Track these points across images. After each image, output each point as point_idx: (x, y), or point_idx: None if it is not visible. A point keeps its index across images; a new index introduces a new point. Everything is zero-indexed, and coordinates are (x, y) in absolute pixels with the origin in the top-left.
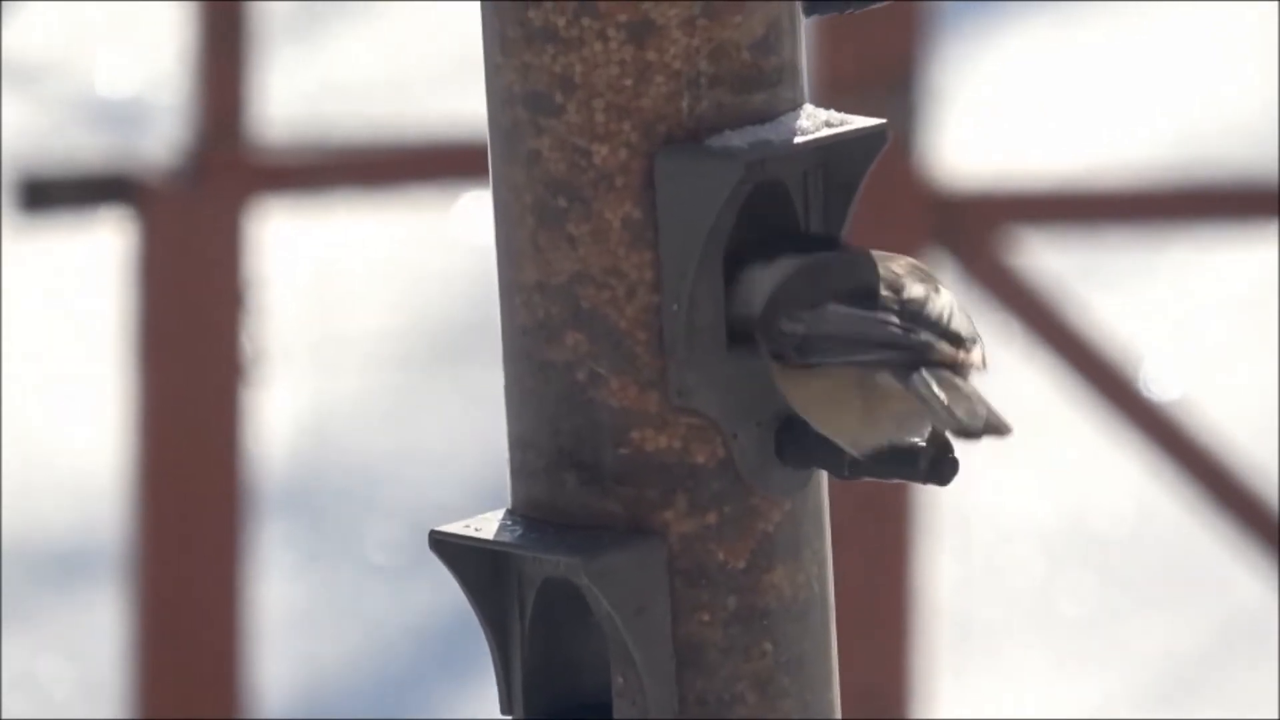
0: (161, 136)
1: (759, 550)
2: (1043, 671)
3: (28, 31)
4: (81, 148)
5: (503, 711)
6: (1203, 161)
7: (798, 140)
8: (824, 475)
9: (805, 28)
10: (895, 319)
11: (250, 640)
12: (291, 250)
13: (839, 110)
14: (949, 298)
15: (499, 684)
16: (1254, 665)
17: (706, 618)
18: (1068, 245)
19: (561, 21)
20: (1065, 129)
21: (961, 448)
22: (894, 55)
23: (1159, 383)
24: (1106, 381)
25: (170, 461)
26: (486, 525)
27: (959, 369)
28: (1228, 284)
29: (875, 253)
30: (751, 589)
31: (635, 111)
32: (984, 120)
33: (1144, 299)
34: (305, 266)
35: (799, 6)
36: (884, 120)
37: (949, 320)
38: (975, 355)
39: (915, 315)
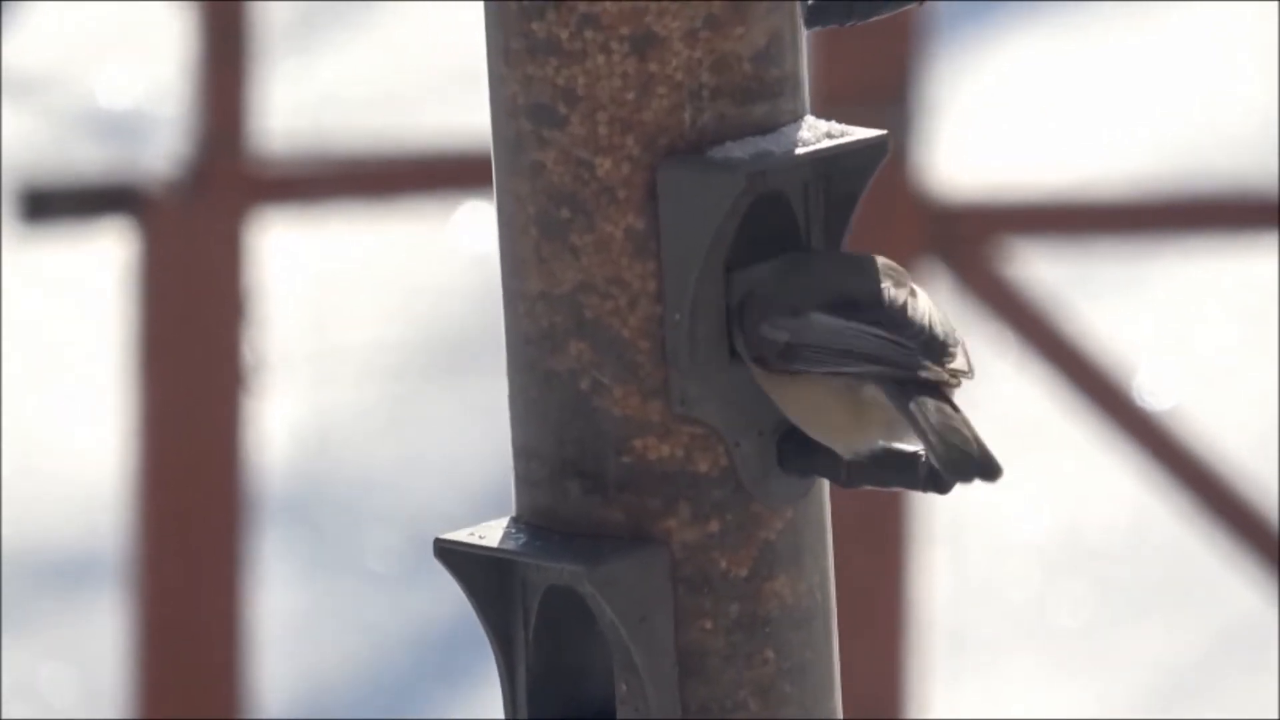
0: (162, 147)
1: (761, 558)
2: (1038, 681)
3: (31, 43)
4: (83, 159)
5: (506, 717)
6: (1195, 173)
7: (799, 151)
8: (826, 485)
9: (806, 40)
10: (881, 331)
11: (250, 648)
12: (291, 260)
13: (837, 121)
14: (926, 300)
15: (503, 690)
16: (1250, 674)
17: (709, 625)
18: (1062, 256)
19: (565, 34)
20: (1059, 141)
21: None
22: (890, 68)
23: (1153, 393)
24: (1101, 392)
25: (171, 470)
26: (491, 533)
27: (948, 389)
28: (1221, 294)
29: (848, 253)
30: (754, 597)
31: (638, 124)
32: (979, 133)
33: (1137, 309)
34: (305, 276)
35: (800, 19)
36: (885, 131)
37: (931, 326)
38: (959, 362)
39: (899, 324)
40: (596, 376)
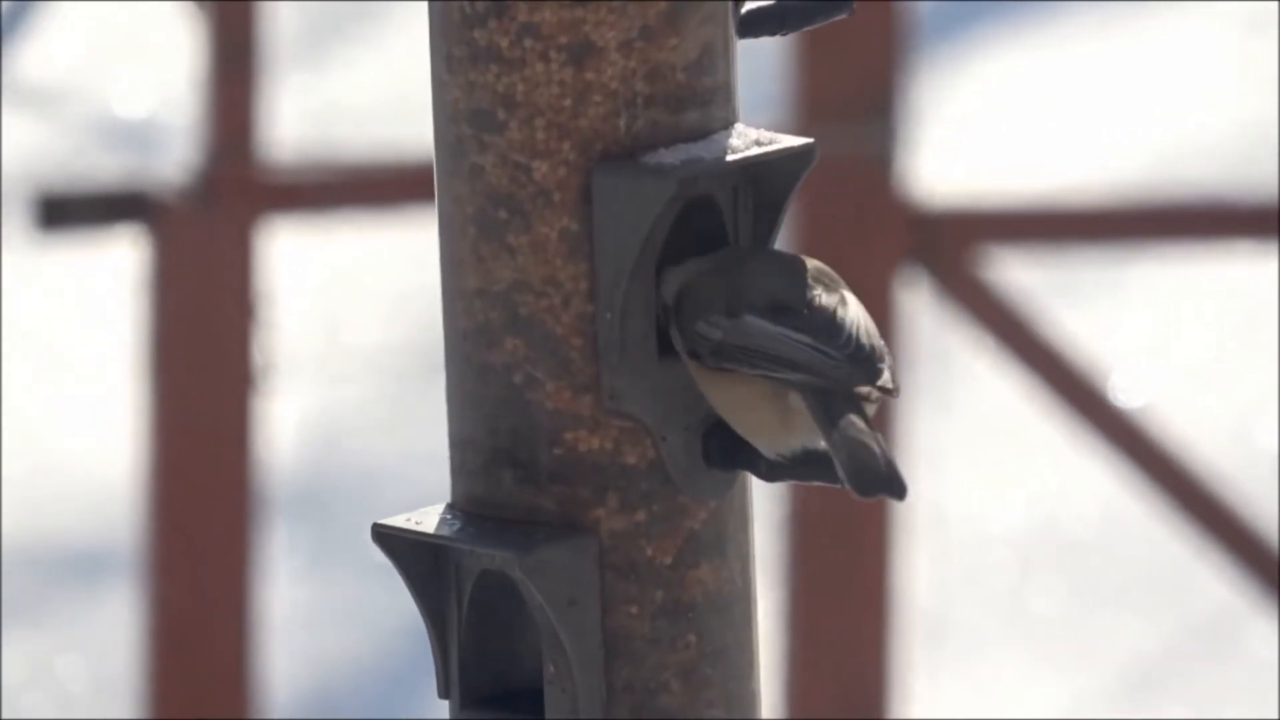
0: (174, 156)
1: (686, 547)
2: (1016, 670)
3: (46, 54)
4: (98, 167)
5: (440, 695)
6: (1171, 181)
7: (729, 158)
8: (749, 478)
9: (738, 50)
10: (810, 339)
11: (259, 638)
12: (299, 265)
13: (821, 130)
14: (856, 308)
15: (436, 669)
16: (1219, 663)
17: (635, 610)
18: (1041, 261)
19: (505, 42)
20: (1039, 149)
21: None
22: (874, 79)
23: (1126, 393)
24: (1076, 392)
25: (182, 467)
26: (427, 519)
27: (866, 404)
28: (1195, 299)
29: (780, 252)
30: (678, 583)
31: (574, 130)
32: (960, 142)
33: (1113, 313)
34: (312, 280)
35: (733, 30)
36: (812, 140)
37: (858, 338)
38: (885, 378)
39: (829, 333)
40: (530, 371)
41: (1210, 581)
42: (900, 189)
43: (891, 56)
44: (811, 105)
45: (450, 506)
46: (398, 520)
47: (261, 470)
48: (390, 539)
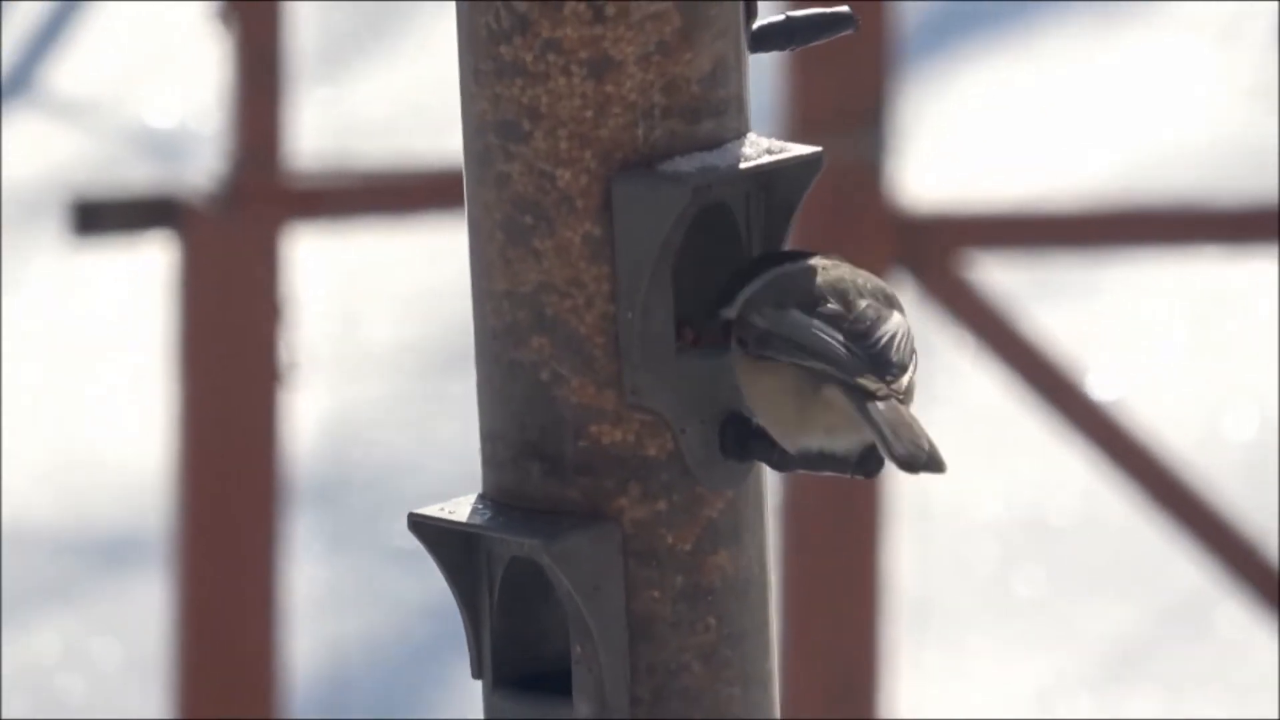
0: (202, 164)
1: (704, 534)
2: (998, 652)
3: (81, 68)
4: (130, 174)
5: (473, 675)
6: (1143, 187)
7: (741, 166)
8: (764, 468)
9: (752, 64)
10: (840, 336)
11: (282, 619)
12: (320, 267)
13: (814, 141)
14: (899, 323)
15: (470, 651)
16: (1192, 645)
17: (657, 595)
18: (1019, 264)
19: (529, 57)
20: (1017, 159)
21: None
22: (865, 94)
23: (1102, 388)
24: (1054, 387)
25: (210, 457)
26: (460, 509)
27: (881, 399)
28: (1167, 299)
29: (848, 269)
30: (697, 569)
31: (595, 140)
32: (944, 152)
33: (1089, 313)
34: (333, 282)
35: (745, 45)
36: (819, 149)
37: (885, 345)
38: (901, 383)
39: (859, 334)
40: (556, 368)
41: (1183, 567)
42: (888, 195)
43: (880, 71)
44: (805, 117)
45: (481, 497)
46: (432, 510)
47: (284, 461)
48: (425, 527)
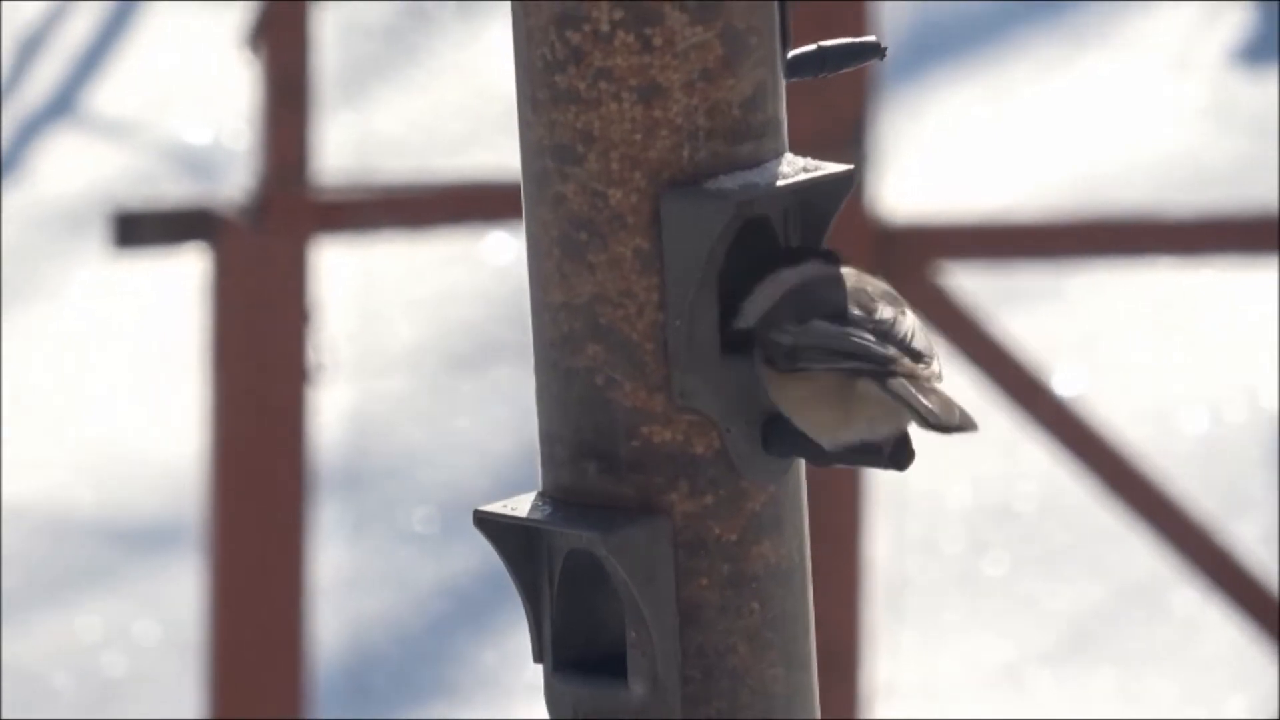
0: (235, 181)
1: (748, 526)
2: (967, 627)
3: (122, 90)
4: (167, 189)
5: (535, 660)
6: (1101, 201)
7: (780, 183)
8: (803, 463)
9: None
10: (869, 335)
11: (309, 598)
12: (344, 275)
13: (814, 159)
14: (913, 320)
15: (532, 638)
16: (1147, 623)
17: (705, 582)
18: (989, 272)
19: (583, 85)
20: (987, 175)
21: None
22: (847, 117)
23: (1065, 385)
24: (1021, 385)
25: (242, 450)
26: (520, 505)
27: (920, 379)
28: (1123, 304)
29: (854, 275)
30: (742, 558)
31: (644, 161)
32: (919, 168)
33: (1052, 317)
34: (355, 288)
35: (781, 71)
36: (852, 166)
37: (911, 339)
38: (934, 368)
39: (885, 333)
40: (609, 374)
41: (1139, 550)
42: (869, 208)
43: (861, 96)
44: (794, 138)
45: (540, 494)
46: (495, 506)
47: (310, 452)
48: (489, 523)
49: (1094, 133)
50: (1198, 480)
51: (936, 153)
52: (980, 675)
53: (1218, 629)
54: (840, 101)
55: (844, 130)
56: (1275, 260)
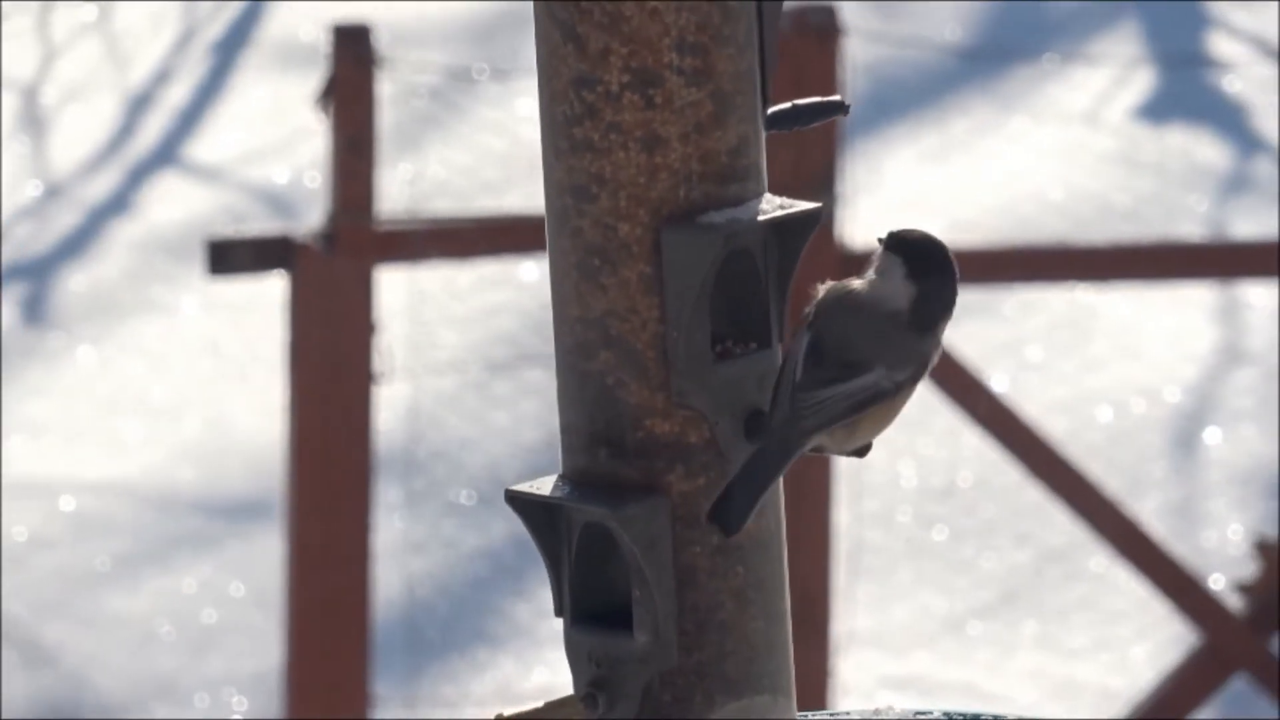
0: (311, 215)
1: None
2: (915, 585)
3: (217, 141)
4: (254, 223)
5: (556, 614)
6: (1027, 233)
7: (760, 218)
8: None
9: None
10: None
11: (371, 561)
12: (402, 293)
13: (788, 198)
14: (862, 386)
15: (554, 595)
16: (1065, 582)
17: (698, 550)
18: None
19: (596, 136)
20: (933, 210)
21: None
22: (818, 163)
23: (997, 384)
24: (960, 384)
25: (317, 438)
26: (544, 485)
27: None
28: (1045, 317)
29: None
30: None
31: (647, 199)
32: (877, 205)
33: (987, 327)
34: (411, 304)
35: (762, 124)
36: (820, 204)
37: (827, 400)
38: (806, 424)
39: (823, 384)
40: (618, 375)
41: (1058, 521)
42: (838, 239)
43: (830, 147)
44: (773, 181)
45: (561, 476)
46: (523, 486)
47: (373, 440)
48: (518, 500)
49: (1021, 177)
50: (1107, 463)
51: (891, 192)
52: (926, 626)
53: (1125, 587)
54: (812, 150)
55: (815, 174)
56: (1172, 282)
